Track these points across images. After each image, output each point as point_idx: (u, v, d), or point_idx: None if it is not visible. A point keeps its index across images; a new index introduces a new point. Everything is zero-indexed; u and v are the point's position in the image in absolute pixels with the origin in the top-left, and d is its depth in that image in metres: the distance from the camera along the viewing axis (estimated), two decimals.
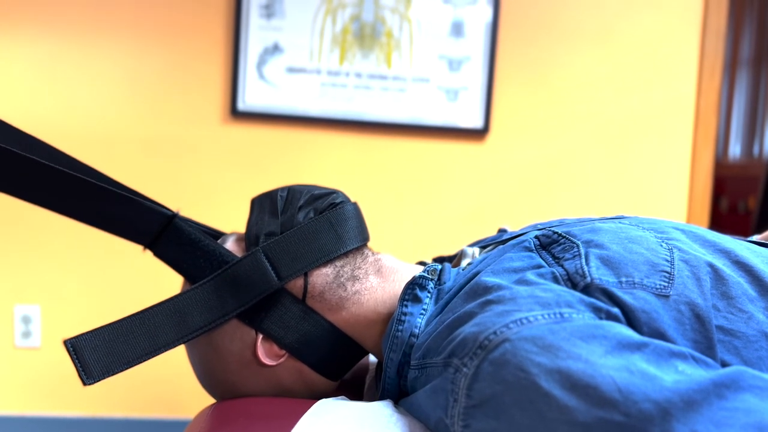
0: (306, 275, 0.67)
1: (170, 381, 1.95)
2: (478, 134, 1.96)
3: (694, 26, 2.02)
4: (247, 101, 1.89)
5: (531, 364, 0.48)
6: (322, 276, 0.68)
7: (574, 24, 1.99)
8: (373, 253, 0.74)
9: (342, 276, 0.69)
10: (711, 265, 0.59)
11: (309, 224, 0.67)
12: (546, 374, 0.47)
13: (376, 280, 0.71)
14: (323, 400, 0.63)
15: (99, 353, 0.61)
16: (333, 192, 0.72)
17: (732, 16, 3.89)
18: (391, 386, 0.66)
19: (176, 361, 1.90)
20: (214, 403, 0.65)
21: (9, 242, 1.89)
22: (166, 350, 0.63)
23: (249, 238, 0.68)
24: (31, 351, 1.92)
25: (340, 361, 0.71)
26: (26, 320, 1.90)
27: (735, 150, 4.06)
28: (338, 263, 0.69)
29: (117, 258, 1.90)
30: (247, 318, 0.66)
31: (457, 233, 1.96)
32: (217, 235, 0.74)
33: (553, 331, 0.50)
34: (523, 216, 1.98)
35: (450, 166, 1.97)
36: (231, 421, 0.58)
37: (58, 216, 1.88)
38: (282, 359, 0.67)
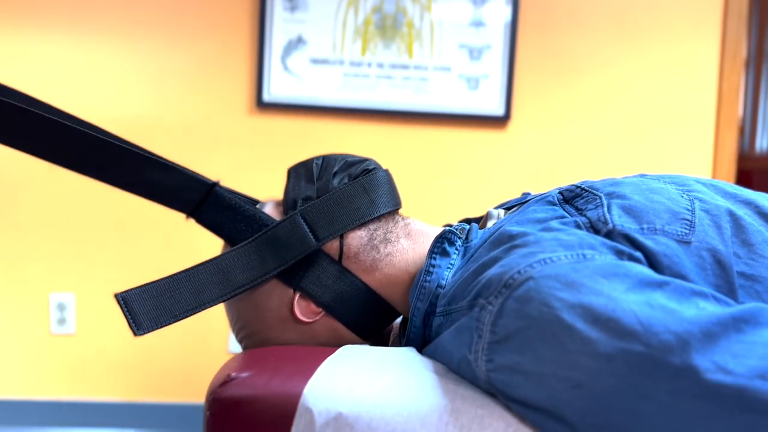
0: (342, 237, 0.70)
1: (204, 366, 1.99)
2: (499, 122, 1.98)
3: (715, 11, 2.02)
4: (272, 92, 1.93)
5: (554, 299, 0.50)
6: (357, 238, 0.71)
7: (595, 11, 2.00)
8: (403, 218, 0.77)
9: (375, 238, 0.72)
10: (731, 214, 0.60)
11: (344, 189, 0.71)
12: (569, 308, 0.49)
13: (406, 243, 0.73)
14: (348, 345, 0.66)
15: (148, 306, 0.64)
16: (366, 159, 0.75)
17: (756, 8, 3.85)
18: (416, 335, 0.68)
19: (210, 347, 1.95)
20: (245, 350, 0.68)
21: (44, 232, 1.96)
22: (210, 306, 0.67)
23: (287, 203, 0.72)
24: (66, 337, 1.98)
25: (373, 321, 0.73)
26: (61, 307, 1.96)
27: (762, 143, 4.00)
28: (372, 226, 0.72)
29: (149, 246, 1.96)
30: (286, 277, 0.69)
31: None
32: (254, 202, 0.78)
33: (575, 269, 0.52)
34: None
35: (471, 153, 1.99)
36: (262, 360, 0.61)
37: (93, 205, 1.94)
38: (318, 317, 0.71)
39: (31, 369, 1.99)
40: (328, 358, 0.60)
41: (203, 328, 1.95)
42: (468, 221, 0.85)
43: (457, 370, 0.59)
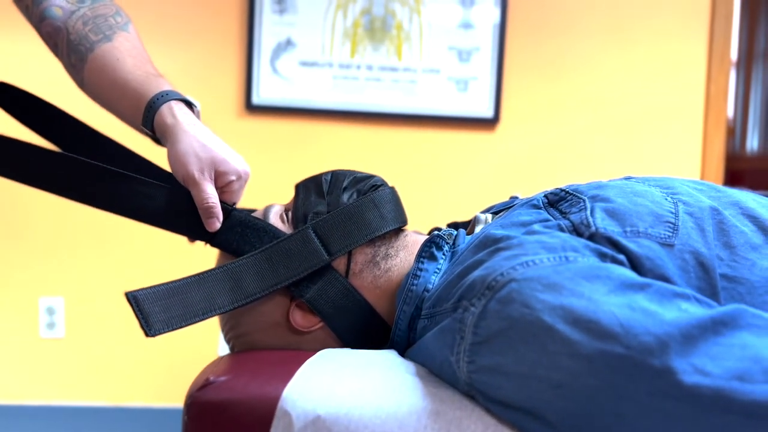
0: (350, 253, 0.70)
1: (193, 370, 1.99)
2: (488, 123, 1.98)
3: (703, 13, 2.03)
4: (262, 95, 1.93)
5: (535, 301, 0.50)
6: (363, 254, 0.71)
7: (583, 13, 2.01)
8: (404, 233, 0.77)
9: (378, 255, 0.72)
10: (716, 214, 0.60)
11: (355, 204, 0.71)
12: (549, 310, 0.49)
13: (403, 255, 0.73)
14: (327, 349, 0.66)
15: (158, 308, 0.64)
16: (373, 176, 0.76)
17: (746, 10, 3.87)
18: (401, 339, 0.68)
19: (200, 351, 1.94)
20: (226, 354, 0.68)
21: (34, 236, 1.95)
22: (222, 312, 0.66)
23: (297, 217, 0.71)
24: (56, 341, 1.97)
25: (371, 339, 0.72)
26: (50, 311, 1.96)
27: (752, 143, 4.03)
28: (377, 242, 0.72)
29: (138, 250, 1.96)
30: (292, 286, 0.68)
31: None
32: (249, 212, 0.77)
33: (557, 271, 0.52)
34: None
35: (460, 155, 2.00)
36: (240, 364, 0.61)
37: (81, 209, 1.93)
38: (314, 328, 0.70)
39: (21, 373, 1.98)
40: (307, 361, 0.60)
41: (192, 332, 1.94)
42: (456, 225, 0.85)
43: (438, 372, 0.59)
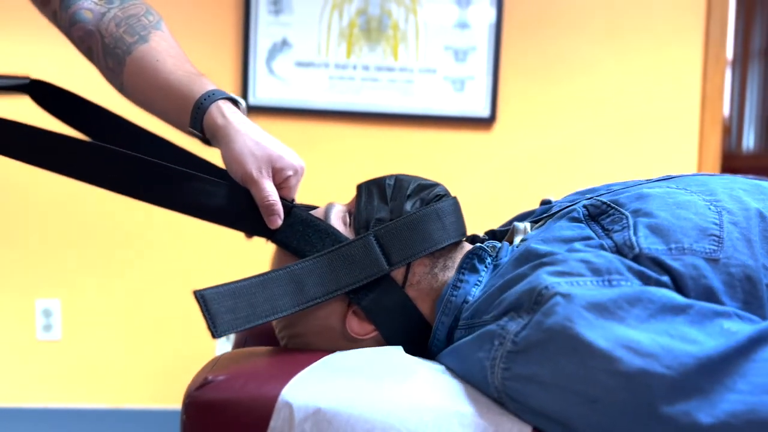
0: (409, 264, 0.69)
1: (190, 371, 1.98)
2: (484, 123, 1.98)
3: (698, 14, 2.03)
4: (258, 96, 1.93)
5: (578, 317, 0.51)
6: (422, 266, 0.70)
7: (579, 13, 2.01)
8: (462, 243, 0.75)
9: (436, 266, 0.71)
10: (761, 222, 0.59)
11: (418, 215, 0.69)
12: (592, 327, 0.50)
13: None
14: (336, 352, 0.66)
15: (224, 308, 0.62)
16: (437, 184, 0.75)
17: (742, 8, 3.88)
18: (438, 349, 0.68)
19: (196, 351, 1.94)
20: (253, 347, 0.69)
21: (29, 238, 1.95)
22: (284, 315, 0.65)
23: (359, 221, 0.70)
24: (52, 343, 1.97)
25: (417, 351, 0.71)
26: (47, 314, 1.95)
27: (748, 142, 4.04)
28: (437, 254, 0.71)
29: (135, 252, 1.95)
30: (350, 292, 0.68)
31: (467, 222, 1.98)
32: (309, 208, 0.76)
33: (601, 293, 0.53)
34: (531, 203, 1.99)
35: (457, 155, 2.00)
36: (239, 364, 0.61)
37: (77, 211, 1.93)
38: (367, 336, 0.69)
39: (17, 375, 1.98)
40: (326, 356, 0.61)
41: (189, 333, 1.93)
42: (493, 233, 0.84)
43: (464, 374, 0.60)
